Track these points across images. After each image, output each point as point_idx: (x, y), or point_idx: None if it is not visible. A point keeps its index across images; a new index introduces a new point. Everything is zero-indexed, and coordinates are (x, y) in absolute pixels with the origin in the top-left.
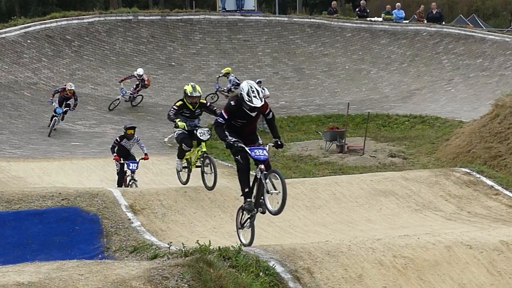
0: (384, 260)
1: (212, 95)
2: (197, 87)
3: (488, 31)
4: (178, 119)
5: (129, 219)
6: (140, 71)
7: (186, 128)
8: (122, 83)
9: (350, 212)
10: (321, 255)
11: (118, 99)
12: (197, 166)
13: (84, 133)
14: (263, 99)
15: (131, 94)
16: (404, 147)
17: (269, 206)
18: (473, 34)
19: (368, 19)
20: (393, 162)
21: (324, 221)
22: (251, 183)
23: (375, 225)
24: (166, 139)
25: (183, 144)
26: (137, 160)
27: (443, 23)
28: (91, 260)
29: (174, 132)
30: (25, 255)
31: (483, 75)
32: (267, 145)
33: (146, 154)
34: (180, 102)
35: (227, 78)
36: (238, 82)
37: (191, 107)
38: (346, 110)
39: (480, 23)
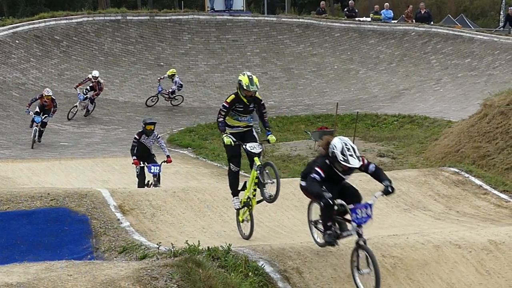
0: None
1: (152, 97)
2: (255, 79)
3: (477, 31)
4: (225, 134)
5: (118, 220)
6: (95, 73)
7: (233, 144)
8: (78, 89)
9: None
10: (310, 255)
11: (76, 106)
12: (258, 202)
13: (73, 134)
14: (360, 157)
15: (89, 98)
16: (393, 147)
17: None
18: (462, 34)
19: (357, 19)
20: (382, 162)
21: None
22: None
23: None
24: None
25: (231, 164)
26: (159, 163)
27: (432, 23)
28: (80, 260)
29: (222, 138)
30: (14, 255)
31: (472, 75)
32: (372, 198)
33: (168, 157)
34: (232, 97)
35: (172, 80)
36: (182, 83)
37: (245, 100)
38: (335, 110)
39: (469, 23)
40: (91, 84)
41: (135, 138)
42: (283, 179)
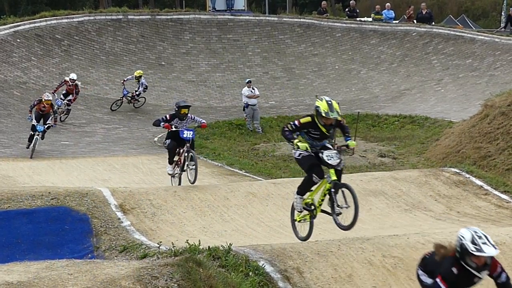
0: (373, 260)
1: (117, 101)
2: (335, 105)
3: (478, 32)
4: (296, 140)
5: (119, 219)
6: (73, 76)
7: (309, 150)
8: (55, 94)
9: None
10: (310, 255)
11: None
12: (323, 211)
13: (74, 132)
14: (495, 245)
15: (67, 101)
16: (394, 147)
17: None
18: (463, 34)
19: (358, 19)
20: (383, 162)
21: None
22: None
23: (365, 225)
24: (156, 139)
25: (313, 176)
26: (193, 128)
27: (433, 23)
28: (80, 259)
29: (294, 151)
30: (15, 254)
31: (473, 76)
32: None
33: (203, 123)
34: (307, 119)
35: (138, 81)
36: (147, 85)
37: (324, 129)
38: None
39: (470, 24)
40: (65, 91)
41: (165, 116)
42: (284, 179)
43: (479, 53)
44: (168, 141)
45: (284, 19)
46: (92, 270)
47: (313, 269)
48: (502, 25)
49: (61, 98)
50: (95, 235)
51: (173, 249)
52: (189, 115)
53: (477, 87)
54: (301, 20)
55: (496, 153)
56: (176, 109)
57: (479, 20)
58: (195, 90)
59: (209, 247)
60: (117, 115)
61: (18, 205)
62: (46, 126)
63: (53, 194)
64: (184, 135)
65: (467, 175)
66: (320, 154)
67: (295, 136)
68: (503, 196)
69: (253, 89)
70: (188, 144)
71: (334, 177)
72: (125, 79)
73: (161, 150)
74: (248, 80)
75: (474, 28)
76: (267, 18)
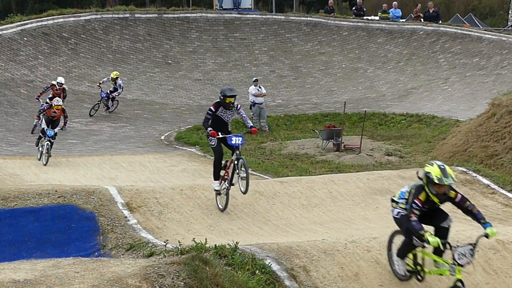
0: (380, 258)
1: (95, 106)
2: (448, 170)
3: (485, 30)
4: (427, 232)
5: (126, 217)
6: (60, 79)
7: (441, 244)
8: (40, 99)
9: (347, 211)
10: (317, 254)
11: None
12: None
13: (81, 131)
14: None
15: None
16: (401, 145)
17: None
18: (470, 33)
19: (365, 17)
20: (389, 161)
21: (320, 219)
22: None
23: (372, 224)
24: (162, 137)
25: (413, 239)
26: (242, 134)
27: (440, 22)
28: (87, 257)
29: (393, 209)
30: (21, 252)
31: (480, 74)
32: None
33: (252, 127)
34: (423, 195)
35: (116, 83)
36: (123, 87)
37: (436, 199)
38: (342, 108)
39: (477, 22)
40: (50, 95)
41: (210, 109)
42: (291, 177)
43: (486, 51)
44: (213, 140)
45: (291, 17)
46: (98, 268)
47: (319, 268)
48: (510, 23)
49: (46, 103)
50: (102, 233)
51: (179, 247)
52: (235, 104)
53: (484, 85)
54: (308, 18)
55: (503, 152)
56: (222, 97)
57: (486, 19)
58: (202, 89)
59: (215, 245)
60: (123, 114)
61: (25, 203)
62: (55, 132)
63: (59, 192)
64: (233, 142)
65: (474, 174)
66: (452, 254)
67: (422, 226)
68: (510, 195)
69: (260, 87)
70: (237, 152)
71: (459, 276)
72: (101, 82)
73: (167, 148)
74: (255, 78)
75: (481, 27)
76: (274, 16)
